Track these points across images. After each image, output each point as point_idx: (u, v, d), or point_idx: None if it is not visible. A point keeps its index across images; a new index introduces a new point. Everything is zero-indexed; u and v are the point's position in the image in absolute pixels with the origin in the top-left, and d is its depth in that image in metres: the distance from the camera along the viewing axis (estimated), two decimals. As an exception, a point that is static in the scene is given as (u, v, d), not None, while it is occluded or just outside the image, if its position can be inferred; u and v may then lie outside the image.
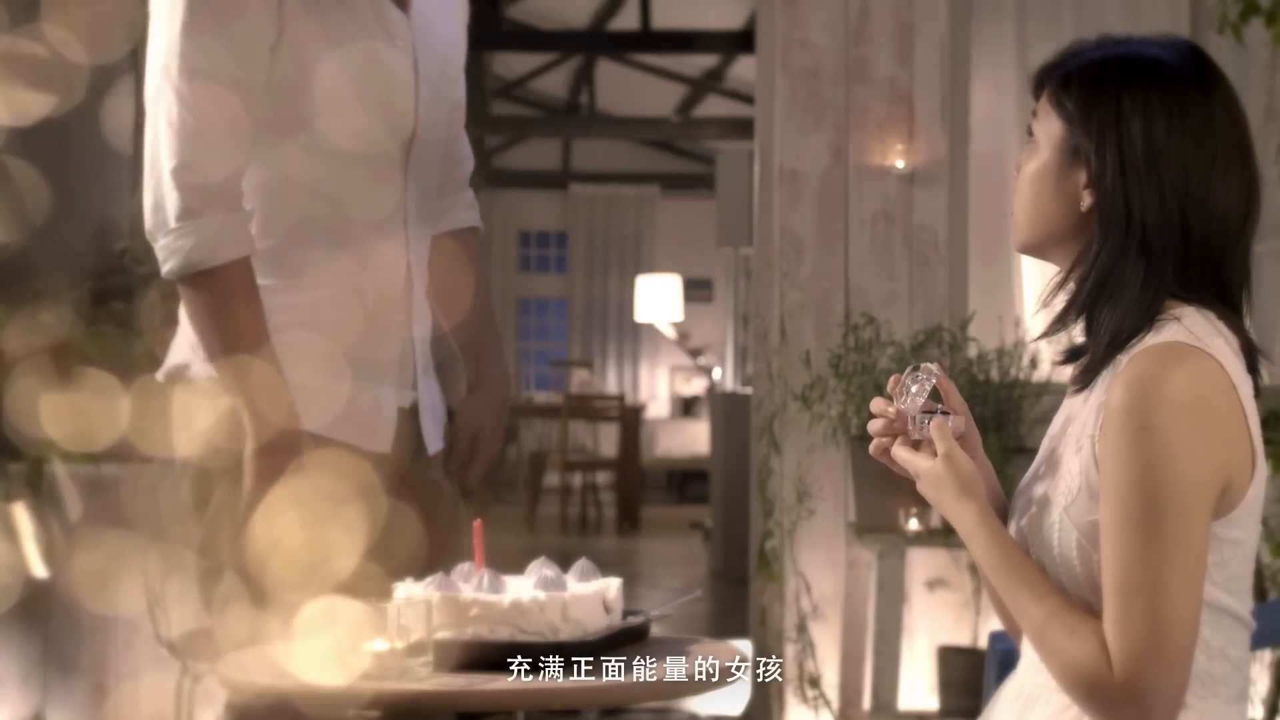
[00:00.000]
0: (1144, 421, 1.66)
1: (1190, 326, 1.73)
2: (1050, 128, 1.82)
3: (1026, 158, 1.85)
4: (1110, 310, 1.76)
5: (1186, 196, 1.73)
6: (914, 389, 1.87)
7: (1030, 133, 1.85)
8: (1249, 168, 1.78)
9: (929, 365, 1.88)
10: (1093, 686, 1.67)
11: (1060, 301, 1.81)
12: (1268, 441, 4.15)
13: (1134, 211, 1.74)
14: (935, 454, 1.84)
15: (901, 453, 1.86)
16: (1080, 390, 1.80)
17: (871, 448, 1.90)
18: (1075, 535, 1.74)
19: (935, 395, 1.90)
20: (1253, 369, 1.78)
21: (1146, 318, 1.75)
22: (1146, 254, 1.74)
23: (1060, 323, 1.81)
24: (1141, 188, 1.74)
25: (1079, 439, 1.77)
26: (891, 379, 1.89)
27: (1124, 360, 1.73)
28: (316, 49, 2.32)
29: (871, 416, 1.90)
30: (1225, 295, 1.77)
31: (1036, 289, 5.05)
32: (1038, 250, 1.85)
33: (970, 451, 1.89)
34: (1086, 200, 1.78)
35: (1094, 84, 1.78)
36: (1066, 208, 1.80)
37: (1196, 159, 1.74)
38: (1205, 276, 1.76)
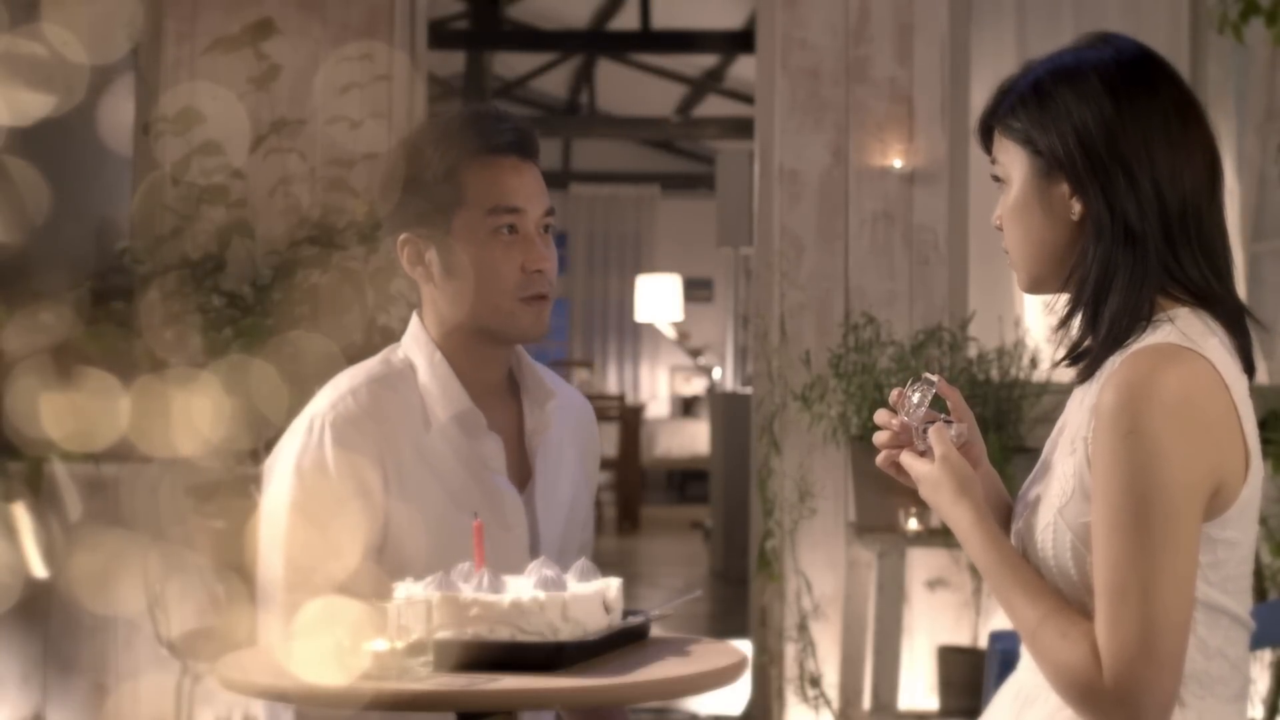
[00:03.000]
0: (1133, 425, 1.66)
1: (1183, 328, 1.73)
2: (1013, 158, 1.82)
3: (1002, 203, 1.85)
4: (1108, 304, 1.76)
5: (1154, 169, 1.74)
6: (916, 399, 1.88)
7: (997, 179, 1.85)
8: (1205, 131, 1.79)
9: (930, 376, 1.88)
10: (1083, 689, 1.67)
11: (1064, 308, 1.81)
12: (1267, 441, 4.16)
13: (1112, 199, 1.75)
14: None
15: (905, 458, 1.87)
16: (1081, 384, 1.80)
17: (878, 460, 1.90)
18: (1069, 537, 1.74)
19: (941, 405, 1.90)
20: (1249, 369, 1.78)
21: (1141, 306, 1.74)
22: (1131, 239, 1.74)
23: (1066, 329, 1.81)
24: (1110, 172, 1.75)
25: (1073, 441, 1.77)
26: (894, 392, 1.90)
27: (1116, 362, 1.73)
28: (420, 545, 2.23)
29: (873, 421, 1.90)
30: (1214, 268, 1.77)
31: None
32: (1046, 282, 1.83)
33: (974, 459, 1.90)
34: (1076, 208, 1.77)
35: (1036, 96, 1.80)
36: (1057, 223, 1.79)
37: (1152, 129, 1.75)
38: (1191, 255, 1.75)
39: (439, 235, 2.26)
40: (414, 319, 2.35)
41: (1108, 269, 1.75)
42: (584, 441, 2.47)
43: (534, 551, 2.29)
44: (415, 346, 2.32)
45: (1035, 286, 1.85)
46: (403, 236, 2.29)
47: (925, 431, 1.87)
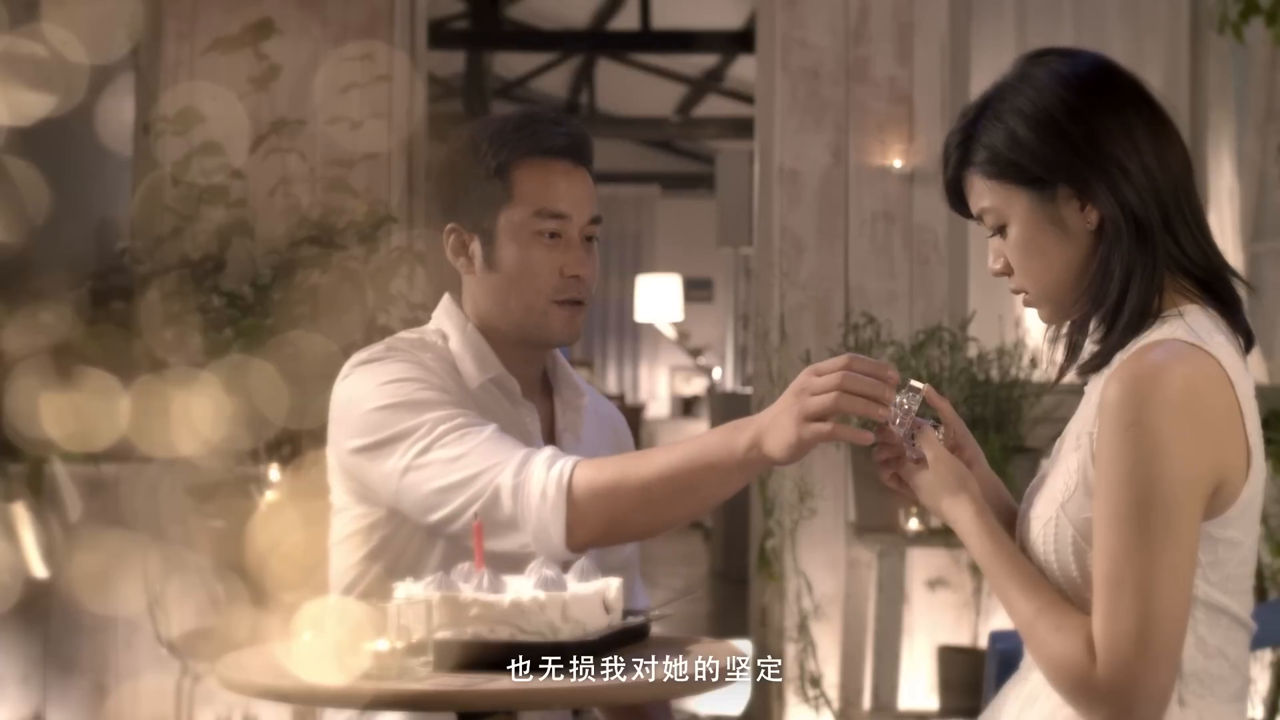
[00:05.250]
0: (1135, 418, 1.66)
1: (1192, 324, 1.73)
2: (1004, 198, 1.80)
3: (1002, 248, 1.82)
4: (1128, 302, 1.75)
5: (1142, 156, 1.75)
6: (904, 406, 1.88)
7: (992, 231, 1.82)
8: (1168, 118, 1.80)
9: (915, 383, 1.88)
10: (1076, 682, 1.67)
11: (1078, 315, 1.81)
12: (1268, 441, 4.14)
13: (1116, 193, 1.74)
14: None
15: (904, 470, 1.88)
16: (1092, 374, 1.80)
17: (883, 478, 1.92)
18: (1071, 532, 1.74)
19: (933, 414, 1.91)
20: (1247, 343, 1.78)
21: (1153, 297, 1.74)
22: (1138, 231, 1.74)
23: (1069, 337, 1.81)
24: (1105, 168, 1.75)
25: (1078, 436, 1.77)
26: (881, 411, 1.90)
27: (1124, 356, 1.73)
28: None
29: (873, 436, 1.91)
30: (1208, 241, 1.77)
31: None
32: (1070, 306, 1.81)
33: (967, 462, 1.91)
34: (1092, 216, 1.76)
35: (1000, 130, 1.78)
36: (1078, 239, 1.78)
37: (1128, 118, 1.76)
38: (1188, 232, 1.76)
39: (484, 229, 2.28)
40: (446, 299, 2.36)
41: (1128, 267, 1.75)
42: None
43: None
44: (447, 319, 2.34)
45: (1060, 315, 1.83)
46: (449, 226, 2.32)
47: (913, 438, 1.87)
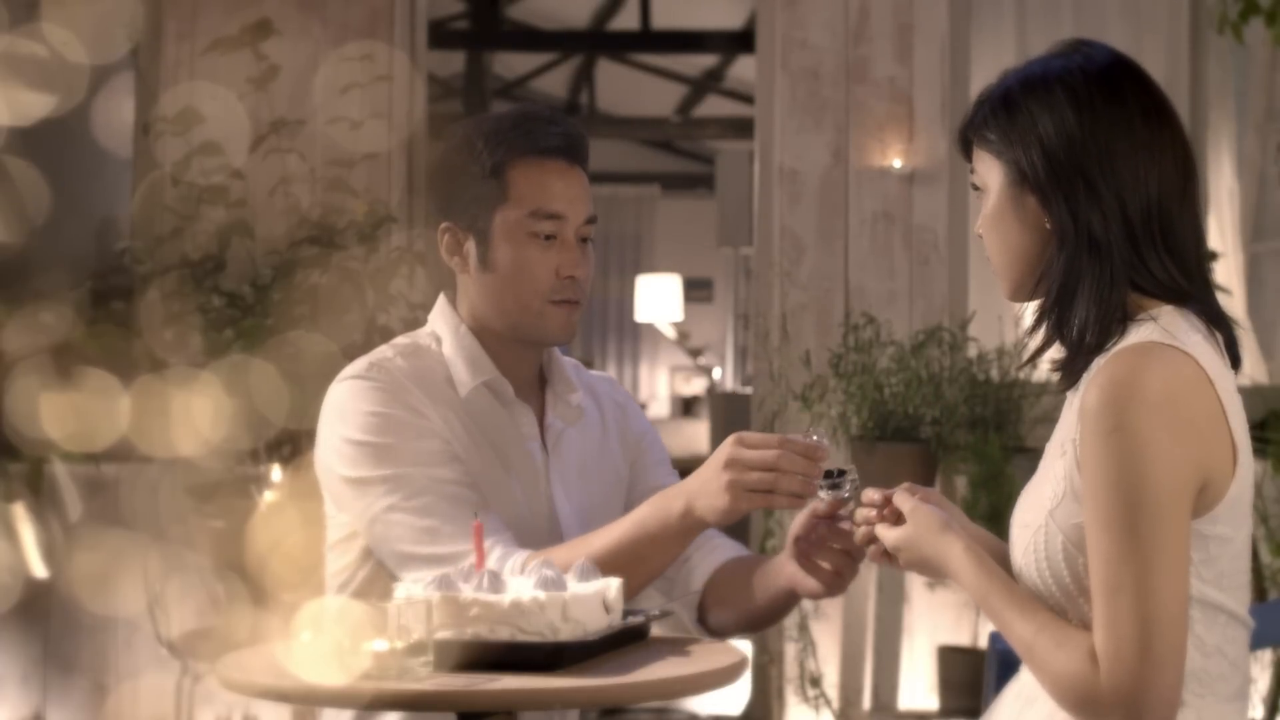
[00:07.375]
0: (1116, 422, 1.66)
1: (1166, 325, 1.72)
2: (989, 167, 1.83)
3: (982, 212, 1.86)
4: (1073, 312, 1.76)
5: (1118, 181, 1.74)
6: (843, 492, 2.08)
7: (976, 188, 1.86)
8: (1175, 132, 1.78)
9: (815, 432, 2.04)
10: (1082, 695, 1.67)
11: (1032, 316, 1.83)
12: (1268, 441, 4.14)
13: (1075, 210, 1.75)
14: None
15: (880, 531, 1.94)
16: (1068, 390, 1.81)
17: (870, 556, 2.03)
18: (1061, 539, 1.74)
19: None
20: (1234, 362, 1.78)
21: (1110, 313, 1.75)
22: (1094, 248, 1.75)
23: (1035, 337, 1.82)
24: (1070, 182, 1.75)
25: (1063, 443, 1.77)
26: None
27: (1101, 363, 1.73)
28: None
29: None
30: (1183, 269, 1.76)
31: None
32: (1028, 290, 1.83)
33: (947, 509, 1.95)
34: (1048, 220, 1.78)
35: (1005, 107, 1.80)
36: (1032, 232, 1.79)
37: (1115, 137, 1.75)
38: (1157, 258, 1.75)
39: (479, 228, 2.28)
40: (441, 299, 2.37)
41: (1072, 277, 1.76)
42: (628, 434, 2.48)
43: (556, 523, 2.30)
44: (441, 321, 2.34)
45: (1017, 294, 1.85)
46: (444, 225, 2.32)
47: (822, 486, 2.07)
